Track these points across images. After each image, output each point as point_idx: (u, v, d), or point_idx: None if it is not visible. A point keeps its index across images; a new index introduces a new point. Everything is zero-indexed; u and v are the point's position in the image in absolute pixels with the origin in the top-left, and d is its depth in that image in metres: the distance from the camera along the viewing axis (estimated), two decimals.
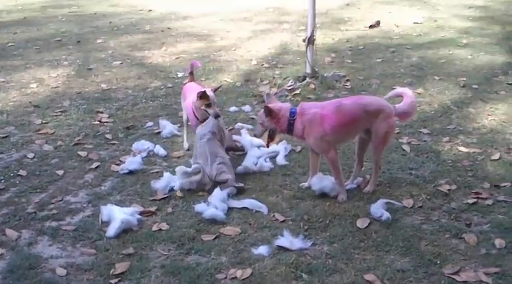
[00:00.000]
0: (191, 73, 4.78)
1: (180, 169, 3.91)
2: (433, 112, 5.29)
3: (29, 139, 4.85)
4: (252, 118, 5.17)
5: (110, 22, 10.37)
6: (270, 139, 3.86)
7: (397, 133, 4.75)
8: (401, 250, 3.11)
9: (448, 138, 4.66)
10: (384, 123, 3.66)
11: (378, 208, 3.45)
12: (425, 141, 4.63)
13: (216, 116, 4.04)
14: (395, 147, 4.47)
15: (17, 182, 4.06)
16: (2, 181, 4.08)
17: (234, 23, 10.07)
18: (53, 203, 3.74)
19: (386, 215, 3.39)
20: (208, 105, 4.05)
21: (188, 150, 4.54)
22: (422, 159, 4.28)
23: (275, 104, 3.79)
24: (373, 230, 3.30)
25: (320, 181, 3.75)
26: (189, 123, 4.45)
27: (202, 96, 4.04)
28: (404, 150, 4.43)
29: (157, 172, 4.15)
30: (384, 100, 3.85)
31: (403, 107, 3.78)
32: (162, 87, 6.32)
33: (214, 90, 4.19)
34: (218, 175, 3.82)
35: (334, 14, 10.54)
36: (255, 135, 4.03)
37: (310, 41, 5.98)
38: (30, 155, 4.51)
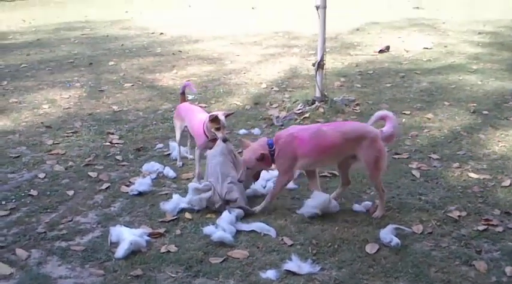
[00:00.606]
0: (183, 93, 4.90)
1: (191, 185, 3.95)
2: (442, 137, 5.29)
3: (40, 160, 4.89)
4: None
5: (122, 45, 10.50)
6: (255, 178, 3.99)
7: (407, 158, 4.76)
8: (411, 276, 3.09)
9: (458, 164, 4.65)
10: (371, 149, 3.69)
11: (387, 234, 3.43)
12: (435, 166, 4.62)
13: (224, 140, 4.11)
14: (405, 172, 4.47)
15: (28, 202, 4.09)
16: (13, 200, 4.11)
17: (244, 47, 10.16)
18: (63, 223, 3.76)
19: (395, 241, 3.38)
20: (218, 129, 4.11)
21: (182, 166, 4.70)
22: (432, 185, 4.27)
23: (255, 145, 3.87)
24: (382, 256, 3.28)
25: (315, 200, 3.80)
26: (196, 145, 4.52)
27: (214, 120, 4.11)
28: (413, 175, 4.42)
29: (166, 193, 4.16)
30: (367, 126, 3.87)
31: (389, 130, 3.79)
32: (173, 109, 6.34)
33: (227, 115, 4.25)
34: (228, 193, 3.83)
35: (343, 39, 10.61)
36: (239, 181, 3.90)
37: (320, 65, 6.01)
38: (41, 175, 4.54)
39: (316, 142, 3.71)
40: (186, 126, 4.60)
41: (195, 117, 4.47)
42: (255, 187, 4.19)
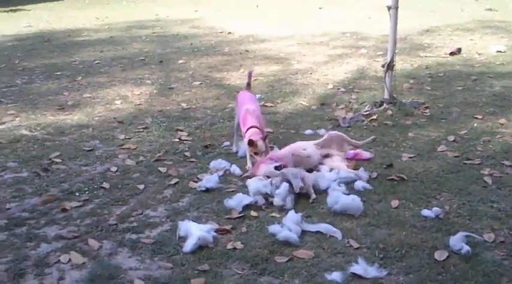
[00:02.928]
0: (249, 84, 5.31)
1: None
2: None
3: (112, 154, 5.06)
4: None
5: (191, 43, 10.69)
6: None
7: (478, 164, 4.62)
8: None
9: None
10: None
11: (458, 241, 3.33)
12: (507, 173, 4.46)
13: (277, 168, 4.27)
14: (476, 178, 4.34)
15: (100, 194, 4.24)
16: (86, 192, 4.27)
17: (311, 47, 10.13)
18: (133, 216, 3.87)
19: (465, 248, 3.28)
20: (256, 153, 4.31)
21: (237, 152, 4.91)
22: (505, 192, 4.12)
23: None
24: (452, 264, 3.20)
25: (338, 199, 3.86)
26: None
27: (252, 144, 4.35)
28: (485, 181, 4.29)
29: (232, 191, 4.21)
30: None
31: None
32: None
33: (264, 138, 4.44)
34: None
35: (413, 40, 10.40)
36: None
37: (390, 66, 5.93)
38: (113, 169, 4.70)
39: None
40: None
41: (243, 106, 4.78)
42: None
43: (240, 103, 4.97)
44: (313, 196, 4.04)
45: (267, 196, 4.01)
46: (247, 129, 4.55)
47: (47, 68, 8.78)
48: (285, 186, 4.01)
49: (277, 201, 3.93)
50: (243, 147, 4.83)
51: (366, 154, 4.81)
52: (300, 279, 3.10)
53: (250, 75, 5.31)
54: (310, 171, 4.40)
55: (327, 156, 4.65)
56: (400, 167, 4.58)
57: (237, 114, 5.01)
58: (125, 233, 3.65)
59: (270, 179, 4.12)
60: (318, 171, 4.45)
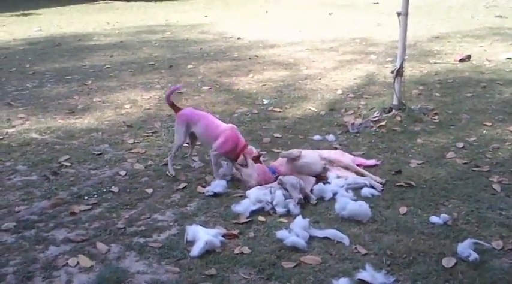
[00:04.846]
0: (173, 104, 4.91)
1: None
2: None
3: (121, 157, 5.08)
4: (335, 147, 5.17)
5: (201, 48, 10.74)
6: None
7: (487, 171, 4.59)
8: None
9: None
10: None
11: (466, 248, 3.32)
12: None
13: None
14: (485, 185, 4.32)
15: (109, 198, 4.26)
16: (95, 196, 4.30)
17: (320, 53, 10.15)
18: (141, 220, 3.89)
19: (474, 255, 3.26)
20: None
21: (174, 176, 4.62)
22: None
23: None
24: (460, 271, 3.18)
25: (345, 205, 3.85)
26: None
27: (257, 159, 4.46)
28: (494, 189, 4.26)
29: (240, 196, 4.22)
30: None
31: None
32: (248, 113, 6.44)
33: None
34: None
35: (422, 46, 10.39)
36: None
37: (399, 72, 5.92)
38: (122, 172, 4.72)
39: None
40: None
41: (218, 126, 4.68)
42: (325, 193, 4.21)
43: (203, 121, 4.69)
44: (313, 200, 4.10)
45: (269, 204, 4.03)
46: (244, 146, 4.57)
47: (58, 71, 8.86)
48: (279, 193, 4.03)
49: (279, 210, 3.96)
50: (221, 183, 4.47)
51: (371, 161, 4.80)
52: None
53: (170, 92, 5.01)
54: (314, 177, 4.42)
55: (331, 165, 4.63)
56: (409, 173, 4.57)
57: (184, 134, 4.70)
58: (133, 237, 3.66)
59: (270, 187, 4.15)
60: (324, 179, 4.45)
